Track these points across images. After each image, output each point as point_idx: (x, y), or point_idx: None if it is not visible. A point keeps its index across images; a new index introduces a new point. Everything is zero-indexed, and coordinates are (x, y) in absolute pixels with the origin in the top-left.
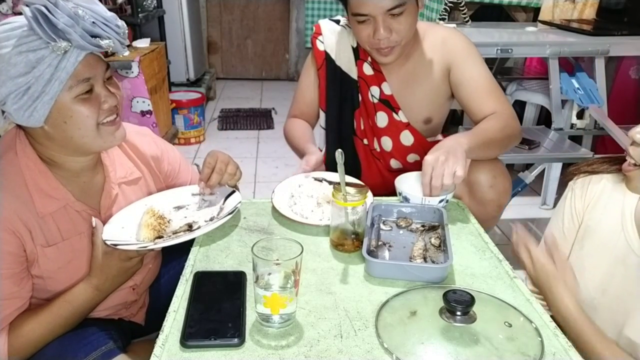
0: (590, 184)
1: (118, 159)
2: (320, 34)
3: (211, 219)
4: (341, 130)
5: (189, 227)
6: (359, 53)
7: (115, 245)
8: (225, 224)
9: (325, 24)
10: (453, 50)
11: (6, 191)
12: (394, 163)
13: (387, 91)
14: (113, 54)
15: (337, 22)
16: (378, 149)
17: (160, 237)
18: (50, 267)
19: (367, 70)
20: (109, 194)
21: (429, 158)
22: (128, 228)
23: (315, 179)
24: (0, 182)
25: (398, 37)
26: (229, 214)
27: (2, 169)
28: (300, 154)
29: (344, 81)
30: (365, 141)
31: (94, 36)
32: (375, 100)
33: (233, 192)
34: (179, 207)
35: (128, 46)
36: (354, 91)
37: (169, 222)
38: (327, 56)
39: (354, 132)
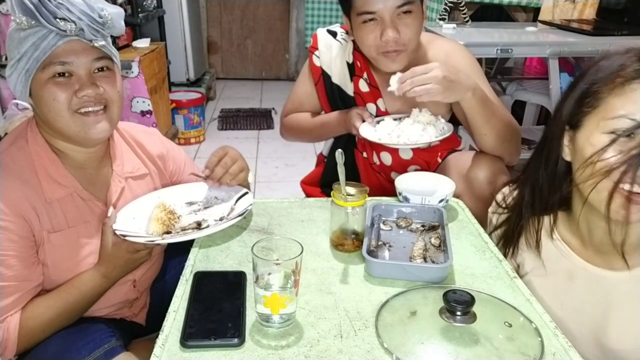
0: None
1: (126, 154)
2: (317, 48)
3: (221, 219)
4: (342, 140)
5: (198, 225)
6: (354, 69)
7: (124, 236)
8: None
9: (322, 37)
10: (457, 67)
11: (16, 176)
12: (395, 175)
13: (383, 107)
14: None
15: (334, 34)
16: (378, 163)
17: (168, 232)
18: (55, 254)
19: (363, 86)
20: (115, 187)
21: (440, 70)
22: (139, 219)
23: (394, 119)
24: (10, 167)
25: (405, 38)
26: (239, 215)
27: (12, 154)
28: (329, 124)
29: (341, 97)
30: (365, 154)
31: (61, 18)
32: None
33: (246, 193)
34: (190, 203)
35: (127, 46)
36: (352, 106)
37: (178, 217)
38: (323, 72)
39: (354, 145)
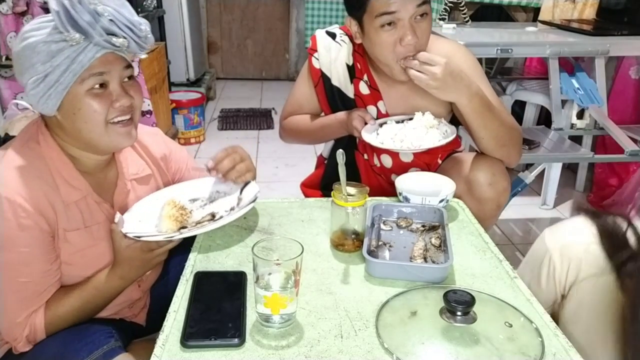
0: None
1: (130, 156)
2: (316, 50)
3: (231, 209)
4: (343, 142)
5: (212, 217)
6: (354, 71)
7: (139, 237)
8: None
9: (321, 39)
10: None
11: (34, 175)
12: (395, 177)
13: (383, 110)
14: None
15: (333, 36)
16: (378, 165)
17: (184, 227)
18: (70, 251)
19: (364, 89)
20: (122, 189)
21: (442, 70)
22: (146, 221)
23: (397, 122)
24: (26, 167)
25: (422, 43)
26: (251, 202)
27: (26, 155)
28: (331, 126)
29: (341, 100)
30: (366, 156)
31: (110, 34)
32: None
33: (248, 182)
34: (194, 199)
35: None
36: (352, 108)
37: (190, 212)
38: (322, 74)
39: (355, 147)
